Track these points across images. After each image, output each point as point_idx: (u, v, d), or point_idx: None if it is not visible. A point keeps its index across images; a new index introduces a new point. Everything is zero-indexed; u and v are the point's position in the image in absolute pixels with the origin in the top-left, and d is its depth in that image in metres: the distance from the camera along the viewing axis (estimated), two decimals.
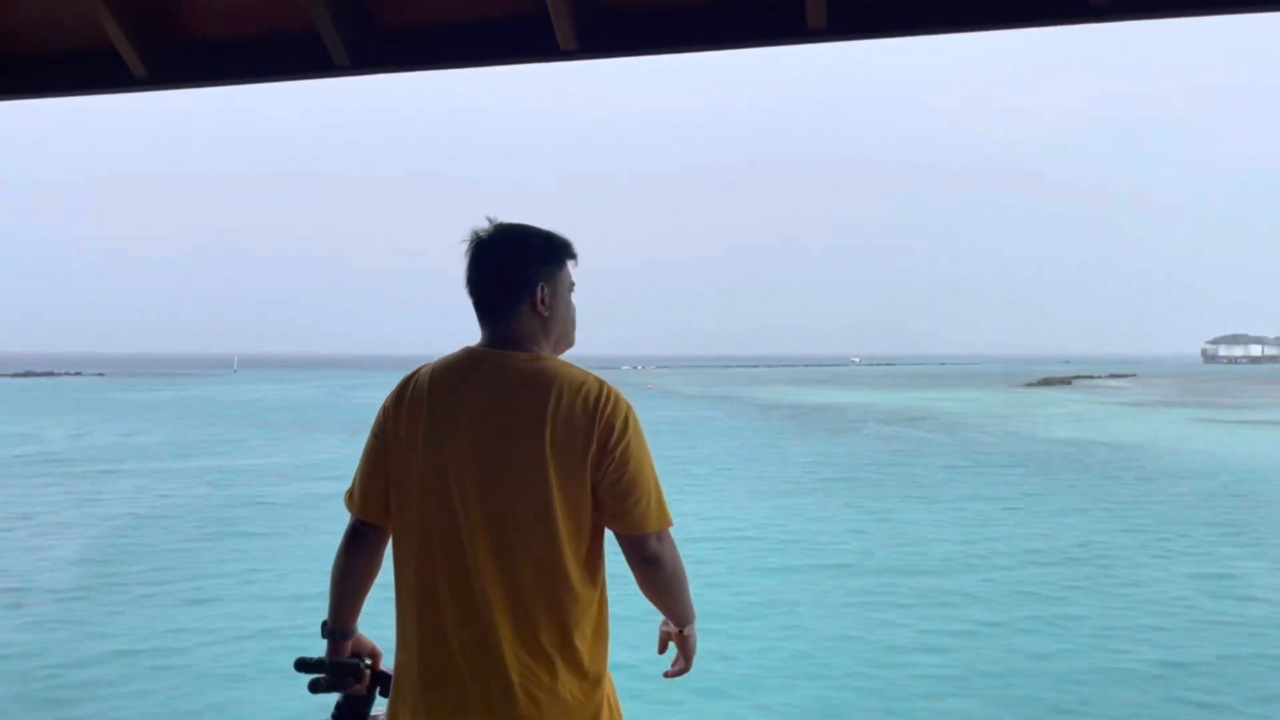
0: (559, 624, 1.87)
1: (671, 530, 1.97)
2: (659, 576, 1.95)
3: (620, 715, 1.97)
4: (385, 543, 2.05)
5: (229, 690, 7.82)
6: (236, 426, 34.51)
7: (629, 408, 1.94)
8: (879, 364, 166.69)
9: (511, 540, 1.87)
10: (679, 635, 2.06)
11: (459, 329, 2.18)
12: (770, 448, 27.83)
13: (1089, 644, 9.05)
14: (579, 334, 2.14)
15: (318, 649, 2.10)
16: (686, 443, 28.85)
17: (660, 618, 2.09)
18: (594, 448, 1.88)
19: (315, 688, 2.02)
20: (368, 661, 2.10)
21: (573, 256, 2.08)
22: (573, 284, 2.08)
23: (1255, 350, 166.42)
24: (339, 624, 2.08)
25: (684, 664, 2.09)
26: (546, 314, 2.00)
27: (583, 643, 1.89)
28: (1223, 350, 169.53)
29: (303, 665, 2.05)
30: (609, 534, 1.97)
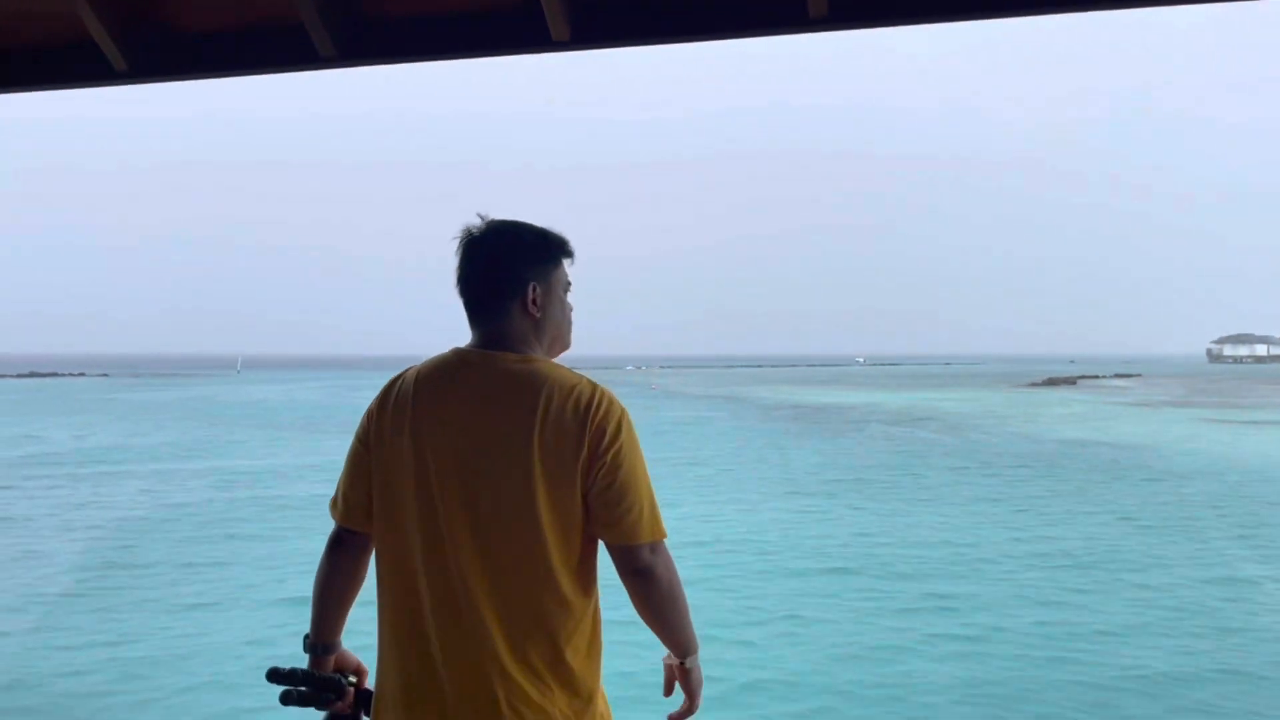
0: (549, 638, 1.78)
1: (667, 543, 1.87)
2: (652, 591, 1.84)
3: None
4: (370, 551, 1.96)
5: (229, 700, 7.72)
6: (238, 427, 34.49)
7: (623, 412, 1.85)
8: (882, 364, 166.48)
9: (498, 550, 1.78)
10: (680, 669, 1.92)
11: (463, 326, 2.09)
12: (774, 449, 27.75)
13: (1099, 651, 8.94)
14: (575, 334, 2.05)
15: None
16: (690, 443, 28.79)
17: (663, 650, 1.94)
18: (585, 453, 1.79)
19: (286, 699, 1.91)
20: (352, 678, 2.01)
21: (569, 254, 1.99)
22: (569, 283, 2.00)
23: (1261, 350, 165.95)
24: (321, 637, 2.00)
25: (689, 704, 1.93)
26: (539, 315, 1.92)
27: (575, 658, 1.80)
28: (1228, 350, 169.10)
29: (275, 676, 1.94)
30: (603, 544, 1.87)
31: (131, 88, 2.95)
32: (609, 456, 1.80)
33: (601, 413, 1.81)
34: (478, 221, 1.96)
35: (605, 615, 1.89)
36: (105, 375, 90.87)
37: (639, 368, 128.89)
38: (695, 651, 1.92)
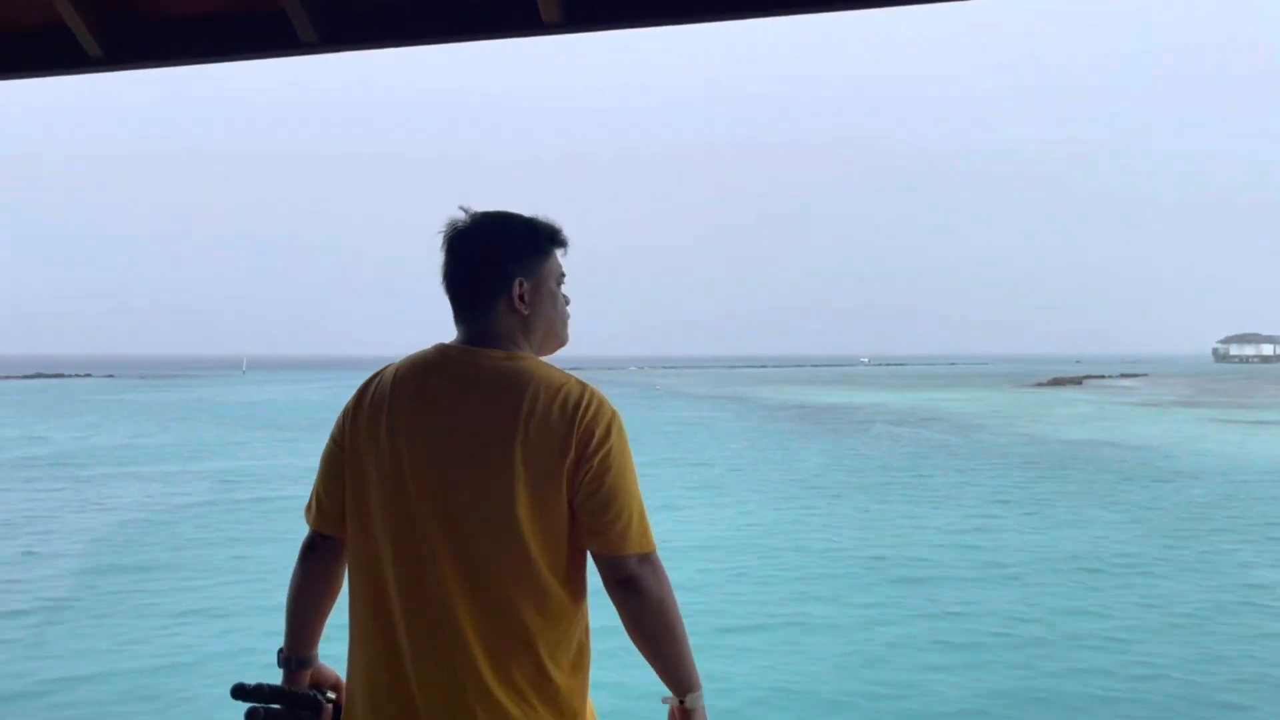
0: (533, 654, 1.66)
1: (658, 555, 1.73)
2: (640, 606, 1.69)
3: None
4: (346, 558, 1.84)
5: (228, 711, 7.57)
6: (242, 428, 34.45)
7: (614, 415, 1.72)
8: (887, 364, 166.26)
9: (477, 559, 1.66)
10: (680, 709, 1.73)
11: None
12: (779, 449, 27.62)
13: (1112, 660, 8.75)
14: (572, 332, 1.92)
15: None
16: (694, 444, 28.69)
17: (662, 688, 1.74)
18: (571, 455, 1.66)
19: (253, 718, 1.80)
20: (331, 694, 1.89)
21: (561, 245, 1.86)
22: (562, 275, 1.87)
23: (1267, 350, 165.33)
24: (295, 650, 1.89)
25: None
26: (526, 311, 1.79)
27: (561, 674, 1.68)
28: (1234, 349, 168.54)
29: (241, 693, 1.83)
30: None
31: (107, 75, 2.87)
32: (597, 460, 1.67)
33: (591, 414, 1.69)
34: (461, 215, 1.84)
35: (595, 621, 1.78)
36: (111, 376, 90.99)
37: (640, 368, 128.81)
38: (697, 689, 1.72)
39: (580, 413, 1.68)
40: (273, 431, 32.94)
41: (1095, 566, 12.47)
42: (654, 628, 1.69)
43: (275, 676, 1.90)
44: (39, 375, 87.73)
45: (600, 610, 1.80)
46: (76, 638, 9.51)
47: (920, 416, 40.25)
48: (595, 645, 1.78)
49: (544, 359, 1.82)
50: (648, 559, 1.71)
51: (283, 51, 2.65)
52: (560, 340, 1.88)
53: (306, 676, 1.89)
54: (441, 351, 1.79)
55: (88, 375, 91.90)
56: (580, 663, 1.73)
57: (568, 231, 1.89)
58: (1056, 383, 75.97)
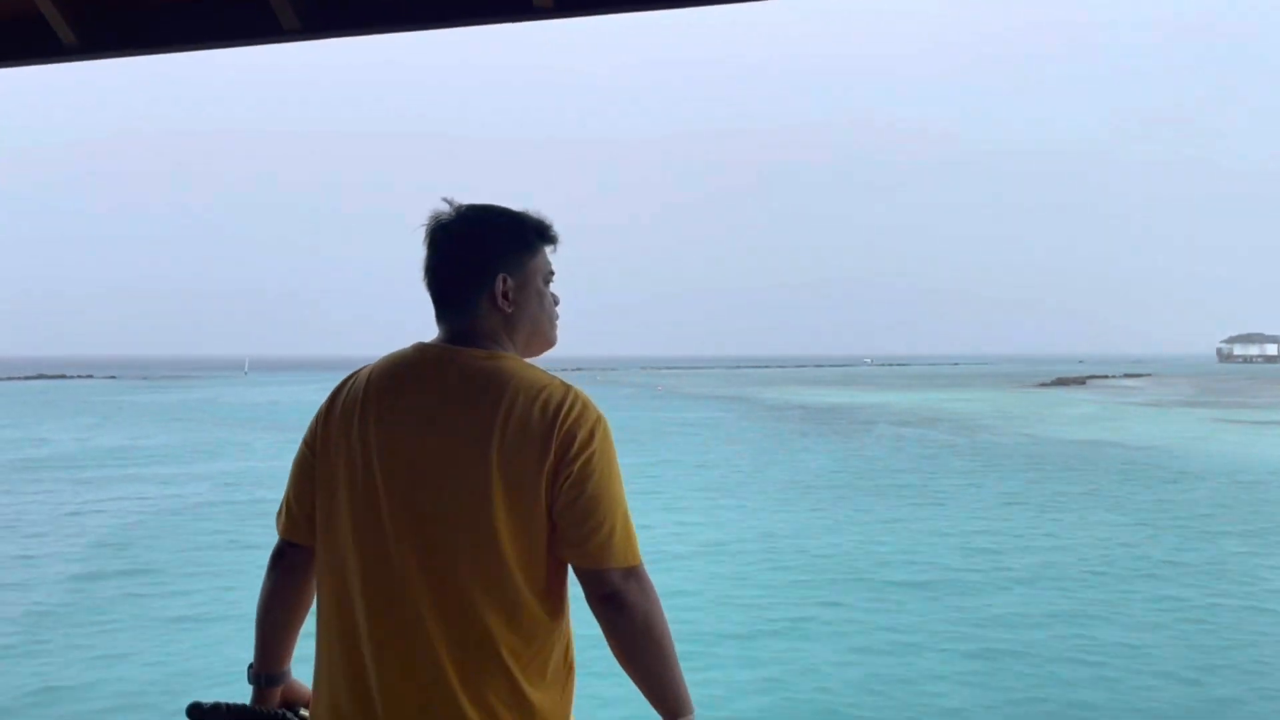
0: (508, 673, 1.54)
1: (644, 568, 1.59)
2: (625, 624, 1.55)
3: None
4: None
5: None
6: (243, 430, 34.37)
7: (599, 419, 1.60)
8: (891, 364, 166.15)
9: (450, 571, 1.54)
10: None
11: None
12: (782, 451, 27.52)
13: (1121, 666, 8.63)
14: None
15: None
16: (697, 445, 28.57)
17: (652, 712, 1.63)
18: (550, 460, 1.55)
19: None
20: (304, 712, 1.76)
21: (550, 240, 1.75)
22: (550, 272, 1.75)
23: (1271, 349, 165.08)
24: (265, 666, 1.76)
25: None
26: (510, 309, 1.68)
27: (539, 695, 1.56)
28: (1238, 349, 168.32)
29: (196, 714, 1.70)
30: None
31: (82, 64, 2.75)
32: (577, 465, 1.55)
33: (573, 416, 1.57)
34: (445, 207, 1.72)
35: (578, 630, 1.65)
36: (113, 377, 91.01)
37: (641, 369, 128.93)
38: (688, 713, 1.58)
39: (562, 415, 1.57)
40: (275, 432, 32.84)
41: (1102, 570, 12.34)
42: (640, 647, 1.57)
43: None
44: (40, 376, 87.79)
45: (577, 623, 1.68)
46: (67, 648, 9.38)
47: (924, 417, 40.12)
48: (587, 655, 1.67)
49: (530, 360, 1.71)
50: (633, 573, 1.58)
51: (265, 39, 2.53)
52: (548, 341, 1.77)
53: (277, 694, 1.77)
54: (419, 350, 1.68)
55: (89, 376, 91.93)
56: (561, 679, 1.61)
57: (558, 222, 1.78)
58: (1060, 383, 75.83)
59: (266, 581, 1.76)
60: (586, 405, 1.60)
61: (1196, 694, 7.88)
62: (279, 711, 1.74)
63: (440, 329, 1.71)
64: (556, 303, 1.78)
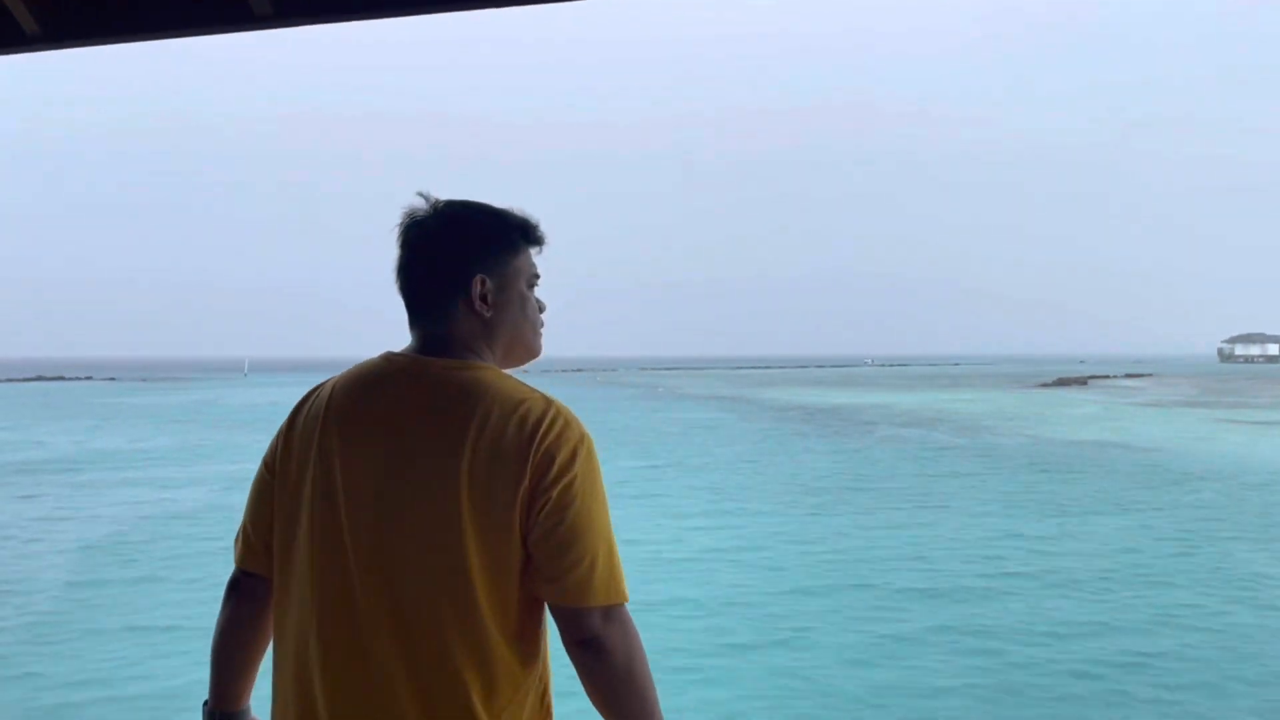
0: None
1: (627, 608, 1.44)
2: (603, 671, 1.41)
3: None
4: None
5: None
6: (243, 431, 34.24)
7: (583, 437, 1.45)
8: (892, 364, 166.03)
9: (414, 605, 1.39)
10: None
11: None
12: (782, 452, 27.36)
13: (1126, 671, 8.46)
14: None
15: None
16: (695, 446, 28.43)
17: None
18: (526, 483, 1.39)
19: None
20: None
21: (535, 241, 1.61)
22: (535, 275, 1.61)
23: (1272, 349, 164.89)
24: (222, 703, 1.63)
25: None
26: (489, 314, 1.54)
27: None
28: (1239, 349, 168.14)
29: None
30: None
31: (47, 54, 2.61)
32: (556, 491, 1.40)
33: (553, 435, 1.42)
34: (421, 203, 1.58)
35: (556, 666, 1.51)
36: (112, 379, 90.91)
37: (641, 370, 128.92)
38: None
39: (541, 433, 1.41)
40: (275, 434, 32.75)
41: (1107, 572, 12.19)
42: (618, 694, 1.41)
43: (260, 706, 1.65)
44: (39, 378, 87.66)
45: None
46: (57, 659, 9.23)
47: (926, 418, 39.95)
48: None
49: (510, 371, 1.57)
50: (614, 613, 1.43)
51: (235, 26, 2.40)
52: (531, 350, 1.62)
53: None
54: (388, 360, 1.53)
55: (88, 378, 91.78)
56: None
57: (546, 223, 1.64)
58: (1061, 383, 75.63)
59: (222, 614, 1.63)
60: (569, 422, 1.44)
61: (1209, 707, 7.73)
62: None
63: (412, 336, 1.56)
64: (542, 309, 1.63)
